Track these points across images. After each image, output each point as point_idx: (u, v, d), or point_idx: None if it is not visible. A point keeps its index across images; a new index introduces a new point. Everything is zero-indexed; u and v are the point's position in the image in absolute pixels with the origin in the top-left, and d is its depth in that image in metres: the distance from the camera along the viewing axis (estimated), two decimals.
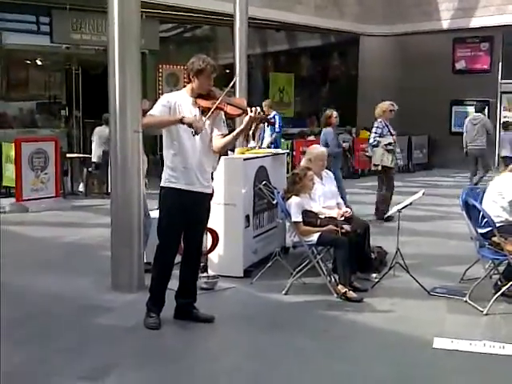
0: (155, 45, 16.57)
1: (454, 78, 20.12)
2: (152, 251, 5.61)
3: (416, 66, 20.08)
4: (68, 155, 14.19)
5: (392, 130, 10.47)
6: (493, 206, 6.28)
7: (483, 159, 13.80)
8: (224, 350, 5.18)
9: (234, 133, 5.48)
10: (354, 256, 6.39)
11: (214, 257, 6.96)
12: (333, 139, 10.22)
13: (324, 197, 7.01)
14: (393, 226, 8.83)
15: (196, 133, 5.09)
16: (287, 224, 6.66)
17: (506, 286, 5.97)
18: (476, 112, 14.54)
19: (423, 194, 7.54)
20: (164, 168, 5.38)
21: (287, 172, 8.85)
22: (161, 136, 5.52)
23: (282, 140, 16.24)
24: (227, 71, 13.99)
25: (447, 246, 8.66)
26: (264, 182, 7.25)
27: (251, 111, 5.28)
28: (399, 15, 20.80)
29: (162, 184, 5.37)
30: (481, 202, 6.37)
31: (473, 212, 6.22)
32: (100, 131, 13.04)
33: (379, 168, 10.35)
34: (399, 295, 6.36)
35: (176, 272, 5.54)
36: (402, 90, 19.61)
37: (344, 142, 10.46)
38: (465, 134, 14.15)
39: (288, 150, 13.88)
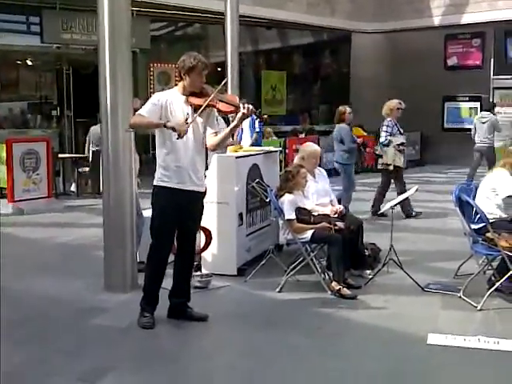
0: (146, 43, 16.52)
1: (446, 75, 20.16)
2: (145, 250, 5.60)
3: (408, 63, 20.10)
4: (60, 155, 14.15)
5: (401, 130, 10.48)
6: (486, 202, 6.28)
7: (489, 157, 13.81)
8: (218, 349, 5.17)
9: (227, 130, 5.45)
10: (347, 253, 6.38)
11: (207, 255, 6.95)
12: (347, 135, 10.22)
13: (317, 194, 7.00)
14: (386, 222, 8.85)
15: (180, 136, 5.06)
16: (280, 222, 6.65)
17: (500, 282, 5.97)
18: (485, 111, 14.58)
19: (416, 190, 7.55)
20: (157, 167, 5.36)
21: (280, 170, 8.83)
22: (153, 135, 5.50)
23: (275, 137, 16.24)
24: (219, 69, 13.97)
25: (441, 242, 8.66)
26: (257, 180, 7.23)
27: (243, 108, 5.26)
28: (391, 12, 20.82)
29: (154, 183, 5.36)
30: (474, 198, 6.38)
31: (466, 208, 6.22)
32: (94, 130, 12.98)
33: (391, 168, 10.35)
34: (393, 292, 6.35)
35: (169, 271, 5.52)
36: (394, 87, 19.60)
37: (358, 137, 10.44)
38: (473, 132, 14.17)
39: (281, 148, 13.85)
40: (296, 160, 7.35)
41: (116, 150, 6.33)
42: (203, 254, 6.92)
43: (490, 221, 6.05)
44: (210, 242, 6.87)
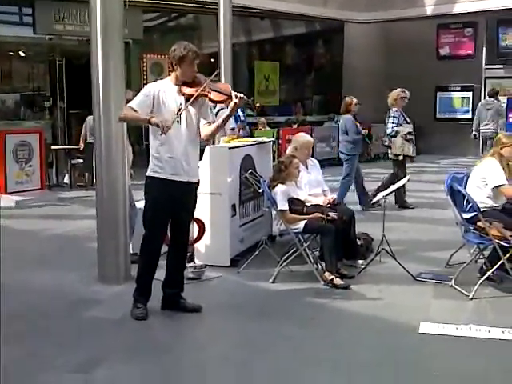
0: (139, 34, 16.49)
1: (438, 64, 20.17)
2: (138, 242, 5.61)
3: (400, 53, 20.10)
4: (53, 147, 14.11)
5: (408, 118, 10.48)
6: (477, 191, 6.30)
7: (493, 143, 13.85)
8: (212, 340, 5.19)
9: (220, 120, 5.46)
10: (340, 243, 6.41)
11: (200, 246, 6.96)
12: (352, 126, 10.23)
13: (310, 185, 7.02)
14: (378, 212, 8.88)
15: (163, 132, 5.05)
16: (273, 212, 6.67)
17: (491, 270, 6.02)
18: (489, 97, 14.62)
19: (408, 180, 7.58)
20: (150, 158, 5.36)
21: (273, 160, 8.85)
22: (146, 126, 5.50)
23: (268, 128, 16.23)
24: (212, 60, 13.95)
25: (433, 232, 8.70)
26: (250, 171, 7.24)
27: (235, 97, 5.27)
28: (383, 2, 20.81)
29: (147, 174, 5.36)
30: (465, 187, 6.40)
31: (458, 197, 6.25)
32: (90, 120, 12.92)
33: (400, 158, 10.37)
34: (385, 281, 6.39)
35: (162, 262, 5.53)
36: (386, 77, 19.64)
37: (363, 128, 10.46)
38: (476, 118, 14.20)
39: (274, 139, 13.85)
40: (289, 150, 7.37)
41: (108, 141, 6.33)
42: (196, 245, 6.93)
43: (482, 210, 6.08)
44: (203, 233, 6.88)
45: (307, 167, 7.19)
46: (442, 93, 20.21)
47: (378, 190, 10.39)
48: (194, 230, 6.80)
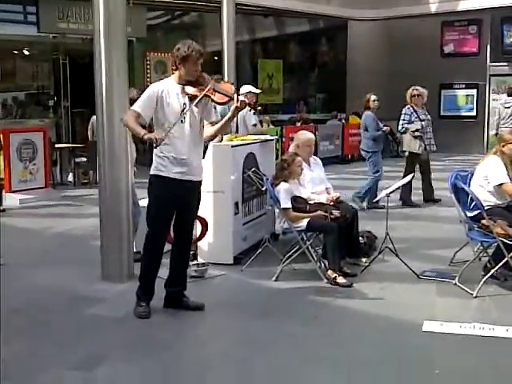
0: (142, 32, 16.49)
1: (442, 62, 20.12)
2: (141, 240, 5.60)
3: (404, 50, 20.06)
4: (56, 145, 14.14)
5: (422, 116, 10.46)
6: (480, 190, 6.29)
7: None
8: (214, 337, 5.18)
9: (223, 121, 5.49)
10: (343, 241, 6.40)
11: (203, 244, 6.96)
12: (371, 122, 10.23)
13: (312, 183, 7.01)
14: (381, 210, 8.88)
15: (157, 145, 5.04)
16: (276, 210, 6.66)
17: (495, 268, 6.00)
18: (508, 96, 14.62)
19: (412, 178, 7.57)
20: (153, 156, 5.36)
21: (277, 158, 8.84)
22: (150, 124, 5.49)
23: (271, 126, 16.22)
24: (215, 58, 13.93)
25: (436, 230, 8.68)
26: (253, 169, 7.24)
27: (237, 100, 5.27)
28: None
29: (151, 172, 5.36)
30: (469, 185, 6.39)
31: (462, 195, 6.23)
32: (94, 119, 12.93)
33: (406, 154, 10.44)
34: (389, 279, 6.37)
35: (165, 261, 5.53)
36: (390, 75, 19.63)
37: (385, 125, 10.47)
38: (496, 117, 14.20)
39: (277, 137, 13.85)
40: (291, 148, 7.36)
41: (111, 140, 6.32)
42: (199, 243, 6.93)
43: (486, 208, 6.07)
44: (206, 232, 6.88)
45: (309, 165, 7.18)
46: (447, 90, 20.16)
47: (404, 189, 10.43)
48: (197, 228, 6.79)
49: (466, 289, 5.92)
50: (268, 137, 8.64)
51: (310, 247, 6.50)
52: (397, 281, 6.35)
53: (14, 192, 11.35)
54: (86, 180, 13.50)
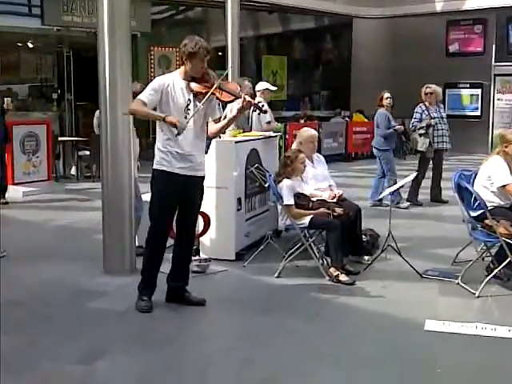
0: (147, 27, 16.45)
1: (447, 61, 20.05)
2: (144, 235, 5.60)
3: (409, 49, 19.99)
4: (60, 138, 14.13)
5: (434, 113, 10.43)
6: (483, 190, 6.27)
7: None
8: (215, 333, 5.19)
9: (227, 119, 5.52)
10: (346, 239, 6.38)
11: (205, 240, 6.95)
12: (383, 120, 10.23)
13: (315, 179, 7.00)
14: (385, 208, 8.86)
15: (178, 134, 5.04)
16: (279, 207, 6.64)
17: (498, 268, 5.98)
18: None
19: (415, 176, 7.55)
20: (155, 151, 5.34)
21: (280, 155, 8.82)
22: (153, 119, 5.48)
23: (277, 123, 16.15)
24: (220, 54, 13.91)
25: (439, 229, 8.67)
26: (256, 165, 7.23)
27: (243, 99, 5.26)
28: None
29: (154, 167, 5.35)
30: (473, 185, 6.37)
31: (465, 195, 6.22)
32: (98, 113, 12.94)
33: (413, 152, 10.50)
34: (391, 278, 6.36)
35: (168, 255, 5.52)
36: (395, 73, 19.56)
37: (399, 124, 10.47)
38: None
39: (281, 133, 13.81)
40: (294, 145, 7.35)
41: (115, 134, 6.33)
42: (202, 239, 6.92)
43: (489, 208, 6.05)
44: (208, 227, 6.87)
45: (313, 162, 7.17)
46: (451, 90, 20.08)
47: (412, 187, 10.43)
48: (200, 223, 6.78)
49: (468, 288, 5.91)
50: (271, 133, 8.62)
51: (312, 244, 6.49)
52: (399, 279, 6.33)
53: (17, 184, 11.35)
54: (88, 174, 13.49)
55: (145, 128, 14.21)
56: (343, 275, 6.17)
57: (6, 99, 11.01)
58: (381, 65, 20.40)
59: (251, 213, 7.40)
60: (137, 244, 6.61)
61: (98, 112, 12.97)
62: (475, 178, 6.54)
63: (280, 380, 4.26)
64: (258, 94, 9.47)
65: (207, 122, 5.45)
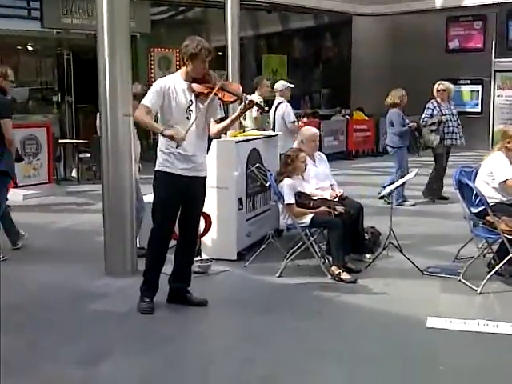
0: (146, 28, 16.44)
1: (447, 58, 20.04)
2: (146, 236, 5.60)
3: (409, 46, 19.99)
4: (60, 141, 14.11)
5: (445, 110, 10.43)
6: (485, 186, 6.27)
7: None
8: (217, 333, 5.19)
9: (229, 120, 5.53)
10: (347, 237, 6.38)
11: (207, 240, 6.95)
12: (398, 118, 10.25)
13: (317, 178, 7.00)
14: (386, 206, 8.86)
15: (178, 145, 5.06)
16: (280, 206, 6.64)
17: (500, 265, 5.98)
18: None
19: (416, 174, 7.54)
20: (158, 152, 5.35)
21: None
22: (155, 120, 5.48)
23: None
24: (219, 53, 13.91)
25: (440, 226, 8.67)
26: (257, 165, 7.22)
27: (246, 99, 5.26)
28: None
29: (156, 168, 5.35)
30: (474, 181, 6.37)
31: (466, 191, 6.21)
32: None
33: (424, 148, 10.61)
34: (393, 275, 6.36)
35: (170, 256, 5.52)
36: (395, 70, 19.55)
37: (412, 121, 10.49)
38: None
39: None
40: (295, 144, 7.34)
41: (115, 135, 6.33)
42: (203, 239, 6.92)
43: (490, 204, 6.05)
44: (209, 227, 6.87)
45: (314, 160, 7.16)
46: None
47: (428, 184, 10.44)
48: (201, 223, 6.78)
49: (470, 285, 5.90)
50: (271, 132, 8.62)
51: (313, 243, 6.49)
52: (401, 277, 6.33)
53: (17, 187, 11.33)
54: (89, 176, 13.48)
55: (145, 129, 14.21)
56: (345, 273, 6.17)
57: None
58: (381, 62, 20.39)
59: (252, 212, 7.40)
60: (138, 245, 6.61)
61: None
62: (476, 174, 6.54)
63: (282, 378, 4.26)
64: (277, 93, 9.51)
65: (209, 123, 5.45)
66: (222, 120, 5.57)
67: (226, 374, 4.36)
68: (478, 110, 19.73)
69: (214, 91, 5.18)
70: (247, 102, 5.28)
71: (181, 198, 5.30)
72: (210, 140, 6.04)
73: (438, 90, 10.60)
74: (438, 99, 10.53)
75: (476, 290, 5.79)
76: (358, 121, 18.36)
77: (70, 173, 13.80)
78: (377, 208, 9.42)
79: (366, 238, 7.05)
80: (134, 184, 6.56)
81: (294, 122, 9.29)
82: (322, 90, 21.97)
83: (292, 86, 9.73)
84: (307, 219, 6.36)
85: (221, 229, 6.90)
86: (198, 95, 5.24)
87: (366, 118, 18.64)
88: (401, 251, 6.55)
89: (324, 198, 6.68)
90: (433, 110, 10.42)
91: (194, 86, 5.25)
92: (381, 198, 9.56)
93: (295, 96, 20.88)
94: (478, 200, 6.06)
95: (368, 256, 6.84)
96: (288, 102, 9.55)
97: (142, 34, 16.29)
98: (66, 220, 9.28)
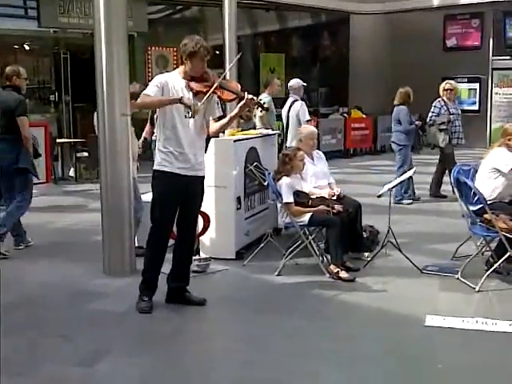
0: (144, 27, 16.43)
1: (444, 56, 20.04)
2: (144, 235, 5.60)
3: (407, 44, 19.98)
4: (58, 140, 14.10)
5: (452, 109, 10.45)
6: (486, 183, 6.28)
7: None
8: (216, 332, 5.19)
9: (228, 118, 5.51)
10: (345, 236, 6.38)
11: (205, 239, 6.95)
12: (405, 116, 10.25)
13: (315, 177, 7.00)
14: (384, 204, 8.85)
15: (192, 116, 5.07)
16: (279, 205, 6.64)
17: (498, 263, 5.98)
18: None
19: (414, 172, 7.54)
20: (156, 151, 5.35)
21: (279, 153, 8.81)
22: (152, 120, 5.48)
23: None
24: (217, 52, 13.90)
25: (439, 224, 8.68)
26: (255, 164, 7.22)
27: (245, 98, 5.25)
28: None
29: (154, 167, 5.35)
30: (472, 180, 6.37)
31: (464, 189, 6.22)
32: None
33: (431, 147, 10.52)
34: (391, 274, 6.36)
35: (168, 255, 5.51)
36: (392, 68, 19.56)
37: (417, 120, 10.51)
38: None
39: (279, 131, 13.79)
40: (294, 143, 7.34)
41: (113, 135, 6.31)
42: (201, 238, 6.91)
43: (489, 202, 6.05)
44: (208, 226, 6.87)
45: (313, 159, 7.16)
46: None
47: (432, 183, 10.46)
48: (199, 223, 6.77)
49: (468, 283, 5.91)
50: (270, 131, 8.61)
51: (312, 242, 6.49)
52: (399, 275, 6.33)
53: None
54: (87, 175, 13.46)
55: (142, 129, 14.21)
56: (343, 272, 6.17)
57: None
58: (378, 61, 20.39)
59: (251, 211, 7.39)
60: (136, 244, 6.61)
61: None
62: (475, 172, 6.55)
63: (282, 379, 4.25)
64: (292, 91, 9.54)
65: (208, 122, 5.45)
66: (220, 119, 5.58)
67: (226, 374, 4.35)
68: (476, 108, 19.73)
69: (212, 90, 5.18)
70: (248, 99, 5.26)
71: (179, 197, 5.29)
72: (207, 139, 6.04)
73: (445, 89, 10.56)
74: (445, 98, 10.49)
75: (474, 288, 5.79)
76: (355, 119, 18.35)
77: (68, 172, 13.79)
78: (375, 206, 9.40)
79: (365, 236, 7.06)
80: (132, 183, 6.56)
81: (308, 120, 9.32)
82: (320, 88, 21.94)
83: (305, 84, 9.77)
84: (306, 218, 6.36)
85: (219, 228, 6.90)
86: (196, 94, 5.23)
87: (364, 116, 18.65)
88: (399, 249, 6.55)
89: (322, 197, 6.68)
90: (440, 108, 10.40)
91: (193, 84, 5.25)
92: (379, 196, 9.55)
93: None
94: (476, 198, 6.07)
95: (366, 254, 6.85)
96: (302, 100, 9.60)
97: (140, 32, 16.28)
98: (64, 219, 9.27)
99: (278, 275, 6.32)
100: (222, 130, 5.76)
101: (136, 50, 16.21)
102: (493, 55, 19.50)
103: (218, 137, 6.94)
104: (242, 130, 8.20)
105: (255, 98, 5.41)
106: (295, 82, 9.66)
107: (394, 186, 6.98)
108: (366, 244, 7.01)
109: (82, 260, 6.91)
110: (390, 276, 6.30)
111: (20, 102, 7.19)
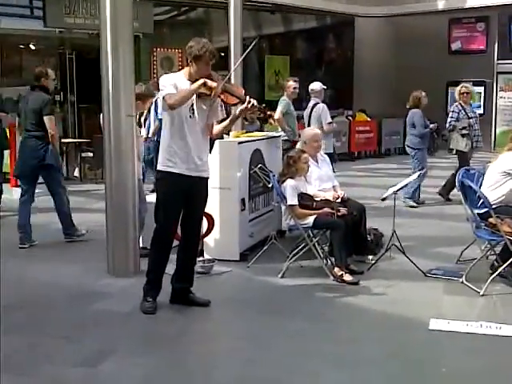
0: (149, 28, 16.45)
1: (449, 59, 20.04)
2: (148, 236, 5.60)
3: (412, 47, 19.98)
4: (63, 140, 14.11)
5: (470, 113, 10.41)
6: (495, 186, 6.26)
7: None
8: (219, 334, 5.20)
9: (228, 120, 5.53)
10: (349, 238, 6.38)
11: (209, 241, 6.95)
12: (420, 120, 10.25)
13: (320, 180, 6.99)
14: (389, 207, 8.84)
15: (213, 97, 5.11)
16: (283, 207, 6.64)
17: (503, 267, 5.97)
18: None
19: (419, 175, 7.53)
20: (160, 151, 5.35)
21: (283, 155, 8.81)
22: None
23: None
24: (222, 54, 13.90)
25: (443, 228, 8.66)
26: (259, 166, 7.22)
27: (248, 102, 5.25)
28: None
29: (158, 168, 5.35)
30: (477, 183, 6.36)
31: (469, 193, 6.21)
32: None
33: (453, 152, 10.40)
34: (395, 277, 6.35)
35: (172, 256, 5.52)
36: (397, 72, 19.56)
37: (432, 123, 10.50)
38: None
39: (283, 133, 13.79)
40: (298, 145, 7.34)
41: (118, 135, 6.32)
42: (206, 240, 6.92)
43: (494, 206, 6.04)
44: (212, 228, 6.87)
45: (317, 161, 7.15)
46: (454, 88, 19.90)
47: (444, 187, 10.43)
48: (204, 224, 6.77)
49: (472, 287, 5.90)
50: (274, 133, 8.61)
51: (316, 244, 6.49)
52: (403, 279, 6.32)
53: (19, 186, 11.31)
54: (92, 175, 13.48)
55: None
56: (347, 275, 6.17)
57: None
58: (383, 64, 20.38)
59: (255, 213, 7.39)
60: (141, 245, 6.61)
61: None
62: (480, 176, 6.53)
63: (284, 380, 4.25)
64: (313, 94, 9.56)
65: (211, 124, 5.45)
66: (222, 121, 5.60)
67: (228, 374, 4.36)
68: (481, 111, 19.70)
69: (215, 93, 5.17)
70: (248, 105, 5.26)
71: (183, 197, 5.29)
72: (212, 141, 6.04)
73: (461, 93, 10.47)
74: (462, 102, 10.42)
75: (479, 292, 5.78)
76: (360, 122, 18.36)
77: (73, 172, 13.80)
78: (379, 209, 9.40)
79: (369, 239, 7.05)
80: (137, 184, 6.57)
81: (330, 122, 9.34)
82: (325, 91, 21.94)
83: (325, 87, 9.80)
84: (310, 220, 6.36)
85: (223, 229, 6.90)
86: (200, 96, 5.24)
87: (369, 119, 18.64)
88: (403, 253, 6.54)
89: (327, 200, 6.67)
90: (458, 113, 10.32)
91: None
92: (383, 199, 9.54)
93: (297, 97, 21.01)
94: (480, 202, 6.06)
95: (370, 257, 6.84)
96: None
97: (145, 34, 16.29)
98: None
99: (281, 277, 6.32)
100: (224, 131, 5.75)
101: (141, 51, 16.23)
102: (498, 59, 19.50)
103: (222, 138, 6.96)
104: (246, 132, 8.21)
105: (256, 103, 5.37)
106: (317, 86, 9.70)
107: (399, 189, 6.97)
108: (370, 247, 7.01)
109: (87, 260, 6.91)
110: (394, 279, 6.30)
111: (47, 102, 7.67)
